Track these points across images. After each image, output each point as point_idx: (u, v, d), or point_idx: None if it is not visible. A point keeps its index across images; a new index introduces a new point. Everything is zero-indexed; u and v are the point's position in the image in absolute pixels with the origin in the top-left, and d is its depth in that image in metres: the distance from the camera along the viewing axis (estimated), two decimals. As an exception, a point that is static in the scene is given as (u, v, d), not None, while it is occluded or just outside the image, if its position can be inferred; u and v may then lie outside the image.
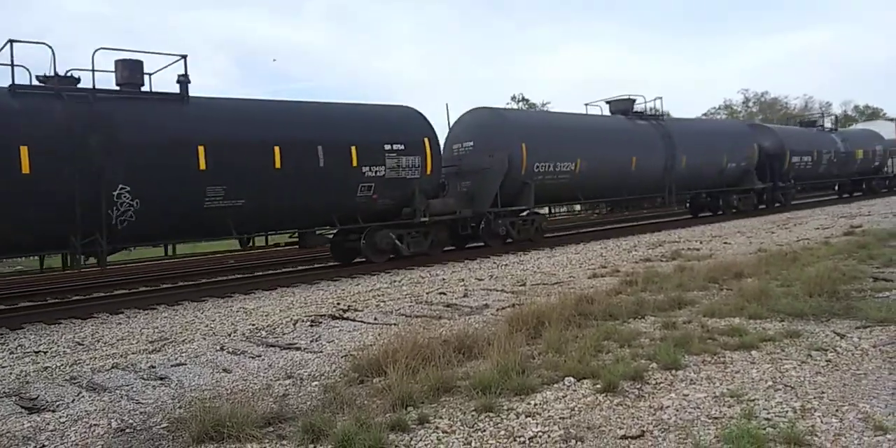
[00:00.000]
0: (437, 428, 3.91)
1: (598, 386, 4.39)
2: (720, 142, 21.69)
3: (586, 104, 20.19)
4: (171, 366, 6.11)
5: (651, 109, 20.56)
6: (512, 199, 15.73)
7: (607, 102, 20.49)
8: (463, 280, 10.85)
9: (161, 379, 5.64)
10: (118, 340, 7.60)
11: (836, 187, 31.43)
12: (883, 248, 10.40)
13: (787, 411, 3.78)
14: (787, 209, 24.03)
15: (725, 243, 13.97)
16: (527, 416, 3.99)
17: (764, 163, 23.35)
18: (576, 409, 4.08)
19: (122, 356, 6.67)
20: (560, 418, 3.94)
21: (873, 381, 4.28)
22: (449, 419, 4.03)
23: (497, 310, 7.78)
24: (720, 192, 22.28)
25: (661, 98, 20.77)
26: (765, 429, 3.53)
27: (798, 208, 24.57)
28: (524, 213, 16.54)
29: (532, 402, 4.21)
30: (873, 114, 61.42)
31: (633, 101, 20.34)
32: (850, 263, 9.04)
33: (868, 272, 8.29)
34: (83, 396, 5.22)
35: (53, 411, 4.85)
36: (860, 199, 28.47)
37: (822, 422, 3.61)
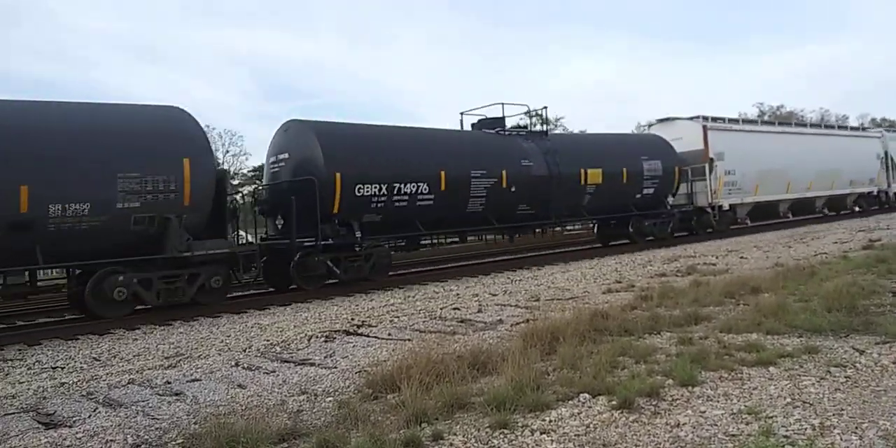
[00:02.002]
0: (451, 445, 3.89)
1: (614, 402, 4.35)
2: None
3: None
4: (187, 381, 6.14)
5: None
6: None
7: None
8: (477, 295, 10.84)
9: (176, 394, 5.66)
10: (134, 356, 7.65)
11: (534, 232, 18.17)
12: (902, 263, 10.27)
13: (805, 429, 3.72)
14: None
15: (742, 258, 13.85)
16: (542, 433, 3.96)
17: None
18: (591, 426, 4.04)
19: (138, 372, 6.71)
20: (575, 435, 3.91)
21: (894, 398, 4.21)
22: (463, 436, 4.01)
23: (511, 325, 7.75)
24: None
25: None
26: (783, 446, 3.48)
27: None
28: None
29: (547, 419, 4.18)
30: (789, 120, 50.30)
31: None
32: (869, 278, 8.93)
33: (887, 287, 8.17)
34: (100, 412, 5.25)
35: (70, 427, 4.88)
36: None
37: (841, 439, 3.55)
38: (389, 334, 7.87)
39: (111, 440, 4.47)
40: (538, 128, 19.52)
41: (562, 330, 6.22)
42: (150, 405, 5.35)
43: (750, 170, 21.67)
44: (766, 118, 24.70)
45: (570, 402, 4.48)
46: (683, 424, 3.95)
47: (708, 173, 20.40)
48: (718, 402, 4.34)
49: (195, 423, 4.66)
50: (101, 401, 5.63)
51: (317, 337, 7.97)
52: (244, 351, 7.45)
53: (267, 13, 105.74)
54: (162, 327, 9.79)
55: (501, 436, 3.97)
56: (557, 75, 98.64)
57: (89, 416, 5.13)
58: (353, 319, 9.12)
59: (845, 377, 4.72)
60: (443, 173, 13.91)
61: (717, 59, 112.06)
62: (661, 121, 22.75)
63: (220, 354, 7.35)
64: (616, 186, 17.62)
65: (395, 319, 8.94)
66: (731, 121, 22.89)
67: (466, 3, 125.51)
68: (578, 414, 4.25)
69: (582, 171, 16.84)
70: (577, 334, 6.18)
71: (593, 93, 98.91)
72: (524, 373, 4.85)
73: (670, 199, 19.24)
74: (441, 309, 9.56)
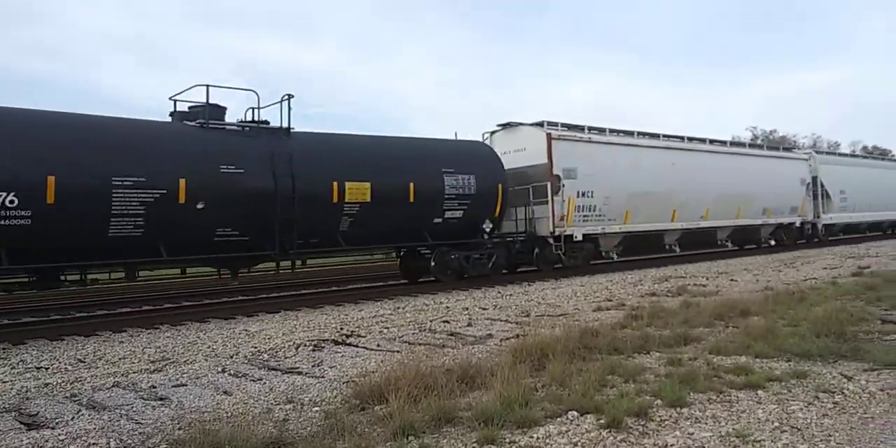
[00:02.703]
0: (437, 459, 3.86)
1: (602, 421, 4.34)
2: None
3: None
4: (172, 386, 6.09)
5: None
6: None
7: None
8: (467, 309, 10.81)
9: (161, 399, 5.61)
10: (120, 359, 7.58)
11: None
12: (892, 290, 10.32)
13: (793, 453, 3.72)
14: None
15: (732, 280, 13.90)
16: (529, 450, 3.94)
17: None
18: (579, 444, 4.03)
19: (123, 375, 6.65)
20: (562, 453, 3.89)
21: (881, 425, 4.22)
22: (450, 450, 3.99)
23: (501, 340, 7.73)
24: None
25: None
26: (771, 471, 3.47)
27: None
28: None
29: (535, 436, 4.16)
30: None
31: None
32: (858, 304, 8.97)
33: (876, 314, 8.21)
34: (83, 414, 5.19)
35: (52, 429, 4.82)
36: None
37: (829, 465, 3.55)
38: (378, 345, 7.83)
39: (94, 443, 4.41)
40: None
41: (551, 346, 6.20)
42: (135, 409, 5.30)
43: (616, 192, 17.58)
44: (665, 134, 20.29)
45: (559, 419, 4.46)
46: (671, 445, 3.94)
47: (551, 194, 16.08)
48: (707, 423, 4.33)
49: (179, 429, 4.61)
50: (84, 403, 5.57)
51: (305, 345, 7.92)
52: (231, 357, 7.40)
53: (270, 22, 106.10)
54: (148, 331, 9.71)
55: (488, 451, 3.94)
56: (558, 92, 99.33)
57: (72, 418, 5.07)
58: (342, 329, 9.08)
59: (833, 403, 4.73)
60: (51, 180, 9.37)
61: (716, 82, 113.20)
62: (503, 126, 17.87)
63: (206, 360, 7.29)
64: (398, 207, 13.18)
65: (385, 330, 8.91)
66: (591, 130, 18.02)
67: (471, 18, 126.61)
68: (566, 432, 4.23)
69: (335, 184, 12.28)
70: (566, 351, 6.16)
71: (593, 112, 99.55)
72: (513, 388, 4.83)
73: (487, 226, 14.80)
74: (431, 321, 9.53)
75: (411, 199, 13.46)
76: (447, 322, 9.43)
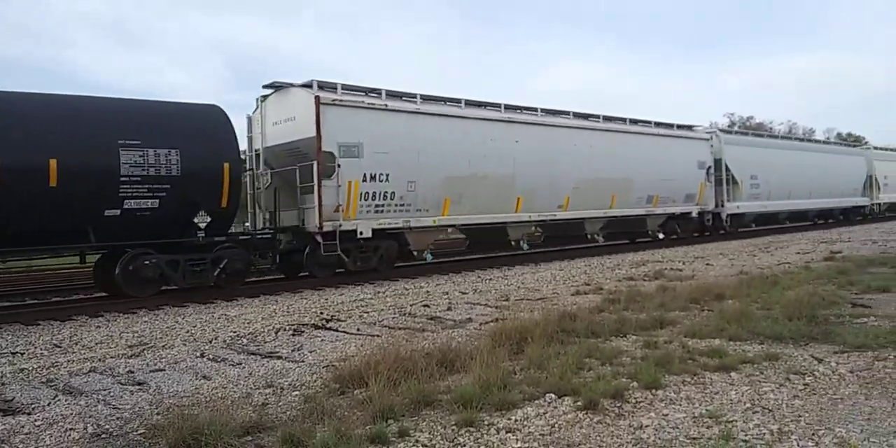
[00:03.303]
0: (417, 441, 3.90)
1: (579, 403, 4.40)
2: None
3: None
4: (150, 371, 6.06)
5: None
6: None
7: None
8: (447, 293, 10.86)
9: (139, 384, 5.58)
10: (97, 344, 7.51)
11: None
12: (862, 275, 10.56)
13: (764, 434, 3.81)
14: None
15: (708, 265, 14.09)
16: (507, 432, 3.99)
17: None
18: (556, 425, 4.09)
19: (100, 360, 6.60)
20: (540, 435, 3.95)
21: (849, 406, 4.34)
22: (429, 433, 4.03)
23: (480, 324, 7.79)
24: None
25: None
26: (742, 450, 3.56)
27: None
28: None
29: (513, 418, 4.21)
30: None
31: None
32: (829, 288, 9.16)
33: (847, 298, 8.39)
34: (59, 400, 5.15)
35: (29, 414, 4.79)
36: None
37: (798, 445, 3.64)
38: (358, 329, 7.85)
39: (71, 428, 4.39)
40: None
41: (530, 330, 6.26)
42: (112, 394, 5.27)
43: (427, 176, 13.80)
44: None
45: (536, 401, 4.52)
46: (646, 426, 4.02)
47: (318, 178, 12.17)
48: (681, 405, 4.42)
49: (158, 414, 4.60)
50: (61, 388, 5.53)
51: (285, 330, 7.92)
52: (210, 342, 7.37)
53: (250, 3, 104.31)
54: (126, 315, 9.63)
55: (467, 434, 3.99)
56: (545, 75, 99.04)
57: (49, 404, 5.03)
58: (322, 313, 9.08)
59: (804, 384, 4.84)
60: None
61: (698, 68, 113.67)
62: (273, 88, 13.61)
63: (185, 345, 7.26)
64: (33, 194, 9.37)
65: (365, 315, 8.92)
66: (391, 94, 13.78)
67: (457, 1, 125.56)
68: (544, 414, 4.29)
69: None
70: (545, 335, 6.23)
71: (579, 95, 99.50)
72: (491, 372, 4.88)
73: (202, 221, 10.85)
74: (411, 306, 9.56)
75: (53, 183, 9.45)
76: (427, 306, 9.47)
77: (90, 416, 4.66)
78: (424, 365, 5.18)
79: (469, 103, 15.33)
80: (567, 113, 17.76)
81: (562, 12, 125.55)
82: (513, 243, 16.47)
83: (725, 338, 6.30)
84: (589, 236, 18.34)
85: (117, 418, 4.60)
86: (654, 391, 4.69)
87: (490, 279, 12.82)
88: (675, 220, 20.81)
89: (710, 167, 21.56)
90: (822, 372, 5.12)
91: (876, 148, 37.01)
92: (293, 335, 7.64)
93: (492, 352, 5.51)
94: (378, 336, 7.19)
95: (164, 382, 5.62)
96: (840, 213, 30.72)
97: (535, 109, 16.87)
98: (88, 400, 5.11)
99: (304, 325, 8.22)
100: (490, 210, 15.19)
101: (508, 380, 4.91)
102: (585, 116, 18.31)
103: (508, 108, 16.16)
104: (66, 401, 5.12)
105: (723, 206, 22.15)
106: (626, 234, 20.13)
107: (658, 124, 20.58)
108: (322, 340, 7.26)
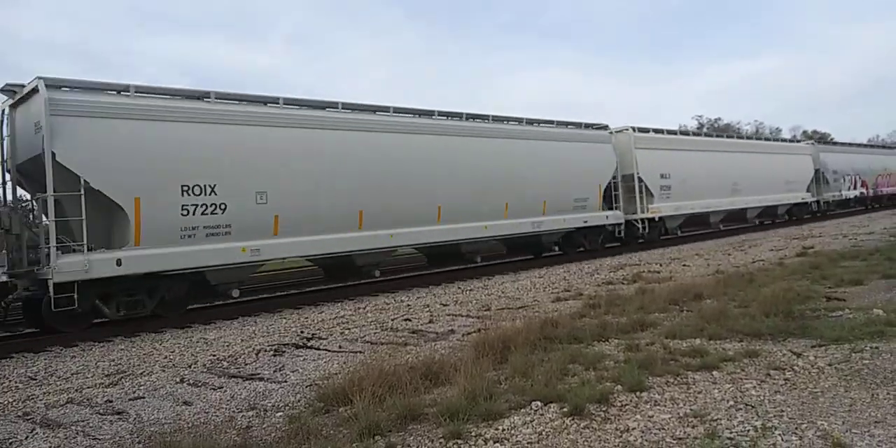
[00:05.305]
0: (405, 456, 3.87)
1: (565, 409, 4.41)
2: None
3: None
4: (129, 400, 5.94)
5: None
6: None
7: None
8: (428, 306, 10.83)
9: (118, 413, 5.47)
10: (73, 374, 7.35)
11: None
12: (835, 269, 10.74)
13: (748, 430, 3.84)
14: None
15: (684, 266, 14.24)
16: (495, 442, 3.98)
17: None
18: (543, 433, 4.09)
19: (77, 391, 6.46)
20: (528, 443, 3.94)
21: (830, 399, 4.40)
22: (417, 447, 4.00)
23: (463, 335, 7.78)
24: None
25: None
26: (728, 448, 3.58)
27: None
28: None
29: (500, 428, 4.20)
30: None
31: None
32: (804, 283, 9.30)
33: (821, 292, 8.53)
34: (37, 433, 5.03)
35: (4, 450, 4.67)
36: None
37: (782, 440, 3.68)
38: (340, 346, 7.78)
39: (49, 463, 4.29)
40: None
41: (513, 339, 6.27)
42: (91, 425, 5.16)
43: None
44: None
45: (523, 410, 4.52)
46: (633, 429, 4.03)
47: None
48: (665, 406, 4.44)
49: (139, 443, 4.51)
50: (38, 421, 5.40)
51: (265, 351, 7.83)
52: (189, 367, 7.25)
53: (214, 23, 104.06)
54: (101, 344, 9.44)
55: (455, 446, 3.97)
56: (512, 86, 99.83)
57: (26, 438, 4.91)
58: (302, 332, 8.99)
59: (784, 379, 4.90)
60: None
61: (664, 73, 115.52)
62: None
63: (163, 371, 7.13)
64: None
65: (346, 331, 8.86)
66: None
67: (421, 14, 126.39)
68: (531, 422, 4.28)
69: None
70: (527, 343, 6.24)
71: (545, 103, 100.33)
72: (476, 382, 4.87)
73: None
74: (392, 320, 9.52)
75: None
76: (409, 320, 9.43)
77: (69, 449, 4.55)
78: (409, 379, 5.15)
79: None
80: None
81: (520, 24, 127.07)
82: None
83: (706, 337, 6.36)
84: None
85: (97, 449, 4.50)
86: (638, 394, 4.71)
87: (471, 289, 12.81)
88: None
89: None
90: (802, 366, 5.19)
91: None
92: (274, 356, 7.55)
93: (476, 362, 5.49)
94: (361, 352, 7.13)
95: (144, 410, 5.51)
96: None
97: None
98: (67, 432, 5.00)
99: (284, 345, 8.13)
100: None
101: (494, 389, 4.90)
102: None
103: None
104: (44, 434, 4.99)
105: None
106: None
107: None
108: (304, 360, 7.19)
